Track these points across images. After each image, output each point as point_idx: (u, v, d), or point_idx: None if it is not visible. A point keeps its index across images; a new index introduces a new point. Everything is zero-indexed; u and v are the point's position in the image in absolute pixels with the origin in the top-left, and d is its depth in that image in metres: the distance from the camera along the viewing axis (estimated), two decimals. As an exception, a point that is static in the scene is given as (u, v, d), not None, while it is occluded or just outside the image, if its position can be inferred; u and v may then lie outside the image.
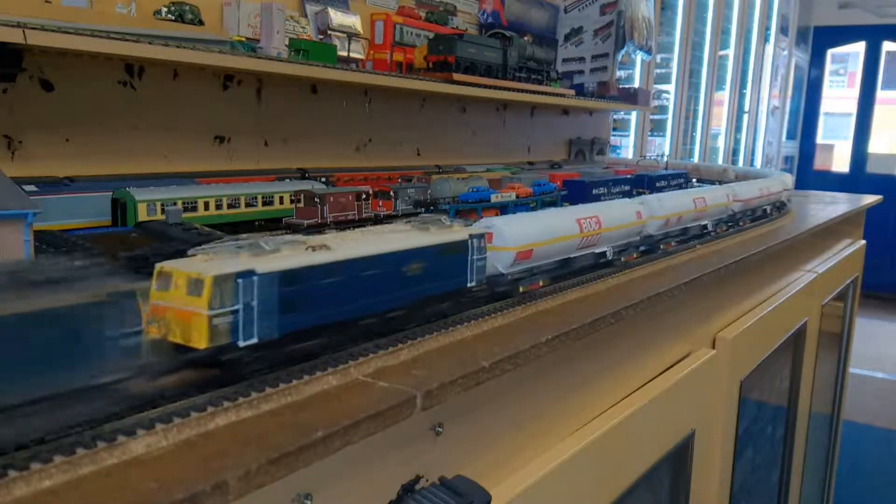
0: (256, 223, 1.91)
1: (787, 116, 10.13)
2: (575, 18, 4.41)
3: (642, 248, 1.81)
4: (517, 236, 1.33)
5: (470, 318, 1.20)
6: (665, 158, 4.55)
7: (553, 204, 2.41)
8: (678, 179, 3.22)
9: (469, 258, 1.18)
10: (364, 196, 1.96)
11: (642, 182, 2.97)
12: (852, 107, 10.53)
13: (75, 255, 1.24)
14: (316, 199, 1.82)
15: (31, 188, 1.66)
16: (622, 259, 1.71)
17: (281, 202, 1.96)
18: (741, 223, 2.45)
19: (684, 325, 1.91)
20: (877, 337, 7.78)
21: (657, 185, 2.99)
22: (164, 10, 2.07)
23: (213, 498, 0.67)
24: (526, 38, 3.46)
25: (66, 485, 0.66)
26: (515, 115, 3.86)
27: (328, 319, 0.94)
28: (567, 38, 4.43)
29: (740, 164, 8.44)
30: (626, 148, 5.96)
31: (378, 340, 1.04)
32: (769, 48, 8.76)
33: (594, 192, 2.63)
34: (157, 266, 0.83)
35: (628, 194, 2.76)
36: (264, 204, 1.93)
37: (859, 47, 10.47)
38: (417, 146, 3.21)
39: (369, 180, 2.47)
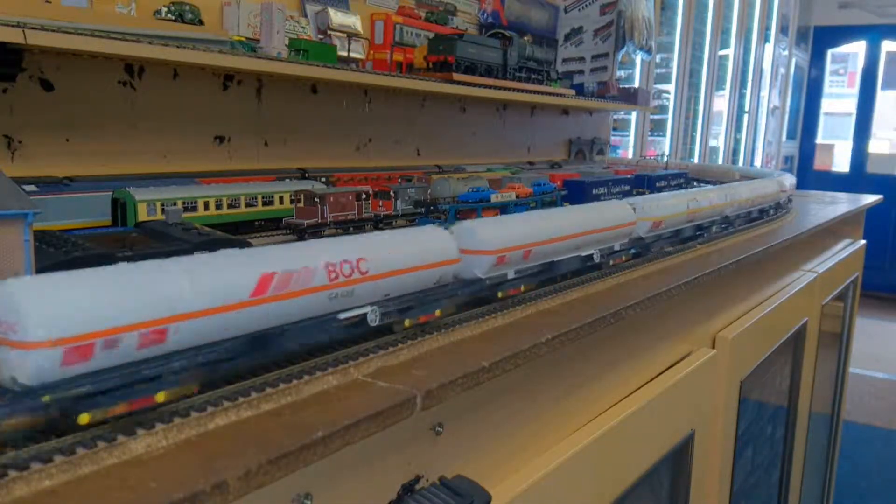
0: (256, 223, 1.92)
1: (787, 116, 10.14)
2: (575, 18, 4.41)
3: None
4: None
5: (470, 318, 1.20)
6: (665, 158, 4.55)
7: (553, 204, 2.41)
8: (678, 179, 3.23)
9: None
10: (364, 196, 1.96)
11: (642, 182, 2.97)
12: (852, 107, 10.53)
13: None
14: (316, 199, 1.82)
15: (31, 188, 1.66)
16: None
17: (281, 202, 1.96)
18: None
19: (684, 325, 1.91)
20: (877, 337, 7.78)
21: (657, 185, 2.99)
22: (164, 9, 2.07)
23: (212, 498, 0.67)
24: (526, 38, 3.45)
25: (66, 485, 0.66)
26: (515, 115, 3.86)
27: None
28: (567, 38, 4.42)
29: (740, 163, 8.44)
30: (626, 148, 5.96)
31: (378, 340, 1.04)
32: (769, 48, 8.76)
33: (594, 192, 2.63)
34: None
35: (628, 194, 2.76)
36: (264, 204, 1.93)
37: (859, 47, 10.47)
38: (417, 146, 3.21)
39: (369, 180, 2.47)
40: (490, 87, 3.02)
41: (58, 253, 1.25)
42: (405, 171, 2.81)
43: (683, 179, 3.28)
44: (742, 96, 8.24)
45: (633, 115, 5.86)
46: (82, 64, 1.96)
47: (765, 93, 8.97)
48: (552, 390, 1.34)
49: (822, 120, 10.91)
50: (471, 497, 1.02)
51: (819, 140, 10.94)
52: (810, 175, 10.57)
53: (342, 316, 0.96)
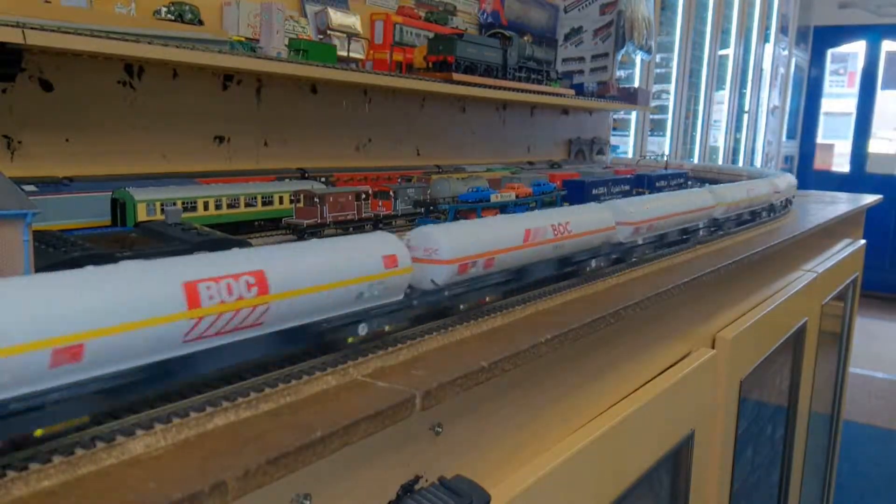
0: (256, 223, 1.92)
1: (787, 116, 10.13)
2: (575, 18, 4.41)
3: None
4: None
5: (469, 319, 1.20)
6: (665, 158, 4.55)
7: (552, 204, 2.41)
8: (678, 179, 3.23)
9: None
10: (364, 196, 1.96)
11: (642, 182, 2.97)
12: (852, 106, 10.53)
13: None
14: (315, 199, 1.82)
15: (31, 188, 1.66)
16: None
17: (281, 202, 1.96)
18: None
19: (684, 325, 1.91)
20: (877, 337, 7.78)
21: (657, 184, 2.99)
22: (164, 9, 2.07)
23: (211, 498, 0.67)
24: (526, 38, 3.45)
25: (65, 485, 0.66)
26: (515, 114, 3.86)
27: None
28: (567, 38, 4.42)
29: (740, 163, 8.43)
30: (625, 147, 5.96)
31: (377, 340, 1.04)
32: (769, 48, 8.76)
33: (594, 191, 2.63)
34: None
35: (628, 194, 2.76)
36: (264, 204, 1.93)
37: (859, 47, 10.47)
38: (417, 146, 3.21)
39: (369, 180, 2.47)
40: (490, 87, 3.02)
41: (57, 253, 1.25)
42: (405, 170, 2.81)
43: (683, 179, 3.28)
44: (742, 96, 8.24)
45: (633, 115, 5.86)
46: (82, 64, 1.96)
47: (765, 93, 8.97)
48: (552, 390, 1.34)
49: (822, 120, 10.91)
50: (470, 497, 1.01)
51: (819, 140, 10.94)
52: (810, 175, 10.57)
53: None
